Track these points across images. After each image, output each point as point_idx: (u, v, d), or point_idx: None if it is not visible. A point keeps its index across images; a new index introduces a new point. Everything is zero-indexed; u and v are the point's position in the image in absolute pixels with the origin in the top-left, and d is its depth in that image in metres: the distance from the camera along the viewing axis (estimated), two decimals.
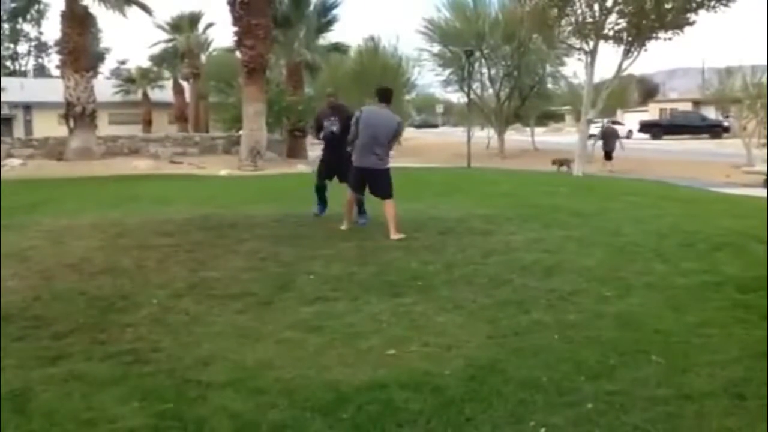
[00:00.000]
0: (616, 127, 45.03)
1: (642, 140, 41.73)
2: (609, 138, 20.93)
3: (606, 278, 5.18)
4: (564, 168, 20.37)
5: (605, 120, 37.44)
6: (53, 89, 29.93)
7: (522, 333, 3.94)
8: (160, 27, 40.04)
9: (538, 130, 37.73)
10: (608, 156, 20.72)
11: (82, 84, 21.49)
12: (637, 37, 17.60)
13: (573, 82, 33.32)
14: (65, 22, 21.43)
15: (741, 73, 27.11)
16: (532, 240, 6.76)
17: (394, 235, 6.98)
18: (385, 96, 7.52)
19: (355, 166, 7.42)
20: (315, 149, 31.95)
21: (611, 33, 17.91)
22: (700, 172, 20.73)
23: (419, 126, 71.75)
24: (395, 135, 7.42)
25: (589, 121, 19.60)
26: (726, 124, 40.60)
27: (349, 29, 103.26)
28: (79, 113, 21.28)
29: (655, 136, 42.22)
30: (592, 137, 24.65)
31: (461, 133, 38.25)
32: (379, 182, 7.37)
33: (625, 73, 21.25)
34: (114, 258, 6.13)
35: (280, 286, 5.08)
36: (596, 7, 17.83)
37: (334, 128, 8.12)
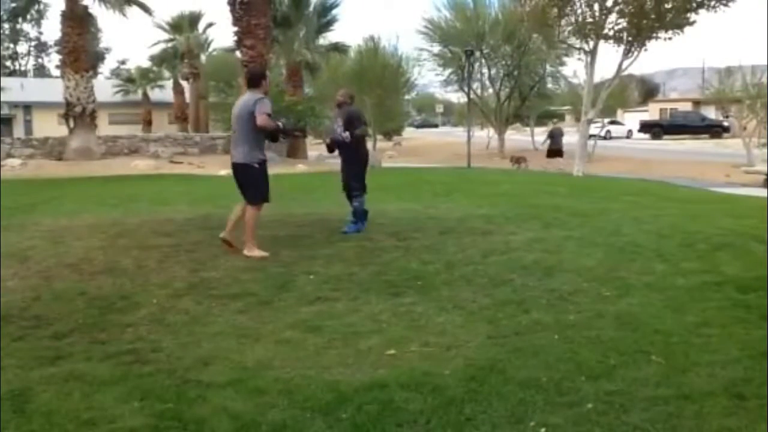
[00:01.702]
0: (619, 127, 45.41)
1: (642, 140, 41.79)
2: (556, 137, 22.37)
3: (606, 278, 5.18)
4: (521, 166, 21.97)
5: (606, 120, 37.48)
6: (53, 89, 29.95)
7: (522, 333, 3.94)
8: (160, 27, 40.12)
9: (538, 129, 37.75)
10: (555, 153, 22.02)
11: (82, 84, 21.50)
12: (637, 37, 17.58)
13: (573, 82, 33.34)
14: (65, 22, 21.45)
15: (741, 73, 27.11)
16: (532, 240, 6.76)
17: (247, 251, 6.09)
18: (249, 80, 6.47)
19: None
20: (315, 149, 31.99)
21: (611, 33, 17.88)
22: (700, 172, 20.73)
23: (419, 126, 71.79)
24: (252, 117, 6.05)
25: (589, 121, 19.60)
26: (726, 124, 40.63)
27: (349, 29, 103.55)
28: (79, 113, 21.29)
29: (656, 136, 42.26)
30: (592, 137, 24.70)
31: (461, 132, 38.26)
32: (243, 180, 6.31)
33: (625, 73, 21.24)
34: (114, 258, 6.13)
35: (280, 286, 5.08)
36: (596, 7, 17.81)
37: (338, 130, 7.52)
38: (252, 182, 6.26)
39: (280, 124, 6.34)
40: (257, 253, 6.12)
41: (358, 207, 7.38)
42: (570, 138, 24.53)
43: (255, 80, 6.35)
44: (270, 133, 6.33)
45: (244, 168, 6.23)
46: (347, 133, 7.27)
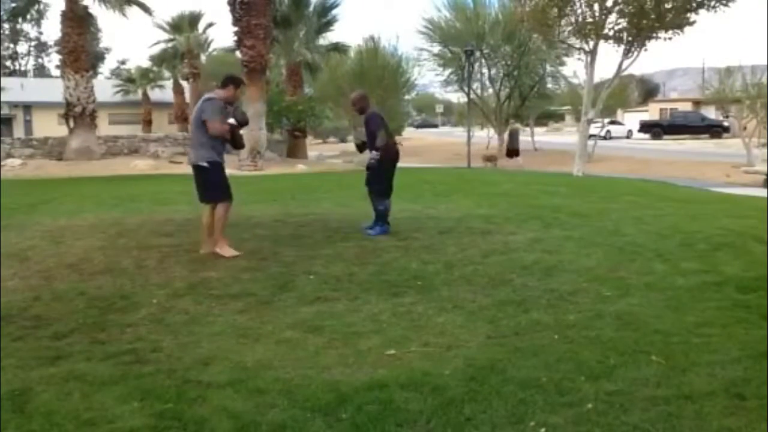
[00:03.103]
0: (619, 127, 45.50)
1: (642, 140, 41.78)
2: (514, 137, 24.32)
3: (606, 278, 5.18)
4: (491, 164, 23.24)
5: (606, 120, 37.48)
6: (53, 89, 29.96)
7: (522, 333, 3.94)
8: (160, 27, 40.15)
9: (538, 130, 37.79)
10: (514, 152, 23.89)
11: (82, 84, 21.51)
12: (637, 37, 17.58)
13: (573, 82, 33.34)
14: (65, 22, 21.46)
15: (741, 73, 27.10)
16: (532, 240, 6.76)
17: (218, 248, 6.11)
18: (223, 82, 6.36)
19: None
20: (315, 149, 31.94)
21: (611, 33, 17.88)
22: (700, 172, 20.74)
23: (419, 126, 71.82)
24: (202, 117, 6.04)
25: (589, 121, 19.60)
26: (726, 124, 40.63)
27: (349, 29, 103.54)
28: (79, 113, 21.31)
29: (656, 136, 42.26)
30: (592, 137, 24.72)
31: (461, 132, 38.25)
32: (197, 181, 6.34)
33: (625, 73, 21.25)
34: (114, 258, 6.13)
35: (280, 286, 5.08)
36: (596, 7, 17.80)
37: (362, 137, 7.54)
38: (201, 183, 6.28)
39: (232, 121, 6.19)
40: (228, 251, 6.12)
41: (381, 210, 7.25)
42: (570, 138, 24.65)
43: (223, 82, 6.31)
44: (232, 137, 6.29)
45: (195, 169, 6.28)
46: (375, 153, 7.21)
